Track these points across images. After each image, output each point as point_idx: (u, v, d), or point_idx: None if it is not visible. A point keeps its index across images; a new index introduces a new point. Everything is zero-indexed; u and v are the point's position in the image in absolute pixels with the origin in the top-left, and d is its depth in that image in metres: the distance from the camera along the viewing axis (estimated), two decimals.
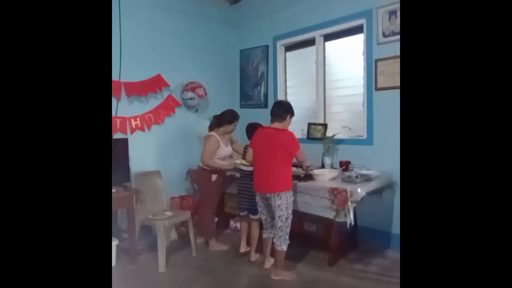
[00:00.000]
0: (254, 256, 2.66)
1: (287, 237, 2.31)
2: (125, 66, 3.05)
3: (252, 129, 2.62)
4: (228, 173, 3.04)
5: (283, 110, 2.37)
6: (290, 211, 2.31)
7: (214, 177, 2.85)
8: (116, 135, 3.01)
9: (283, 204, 2.26)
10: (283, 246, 2.29)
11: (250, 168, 2.55)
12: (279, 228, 2.28)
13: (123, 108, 3.08)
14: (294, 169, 2.58)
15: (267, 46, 3.83)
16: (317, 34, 3.35)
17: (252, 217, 2.65)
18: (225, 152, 2.92)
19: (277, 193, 2.26)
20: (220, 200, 3.39)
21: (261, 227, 2.58)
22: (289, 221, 2.31)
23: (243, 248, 2.78)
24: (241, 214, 2.78)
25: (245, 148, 2.73)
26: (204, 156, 2.80)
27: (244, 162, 2.70)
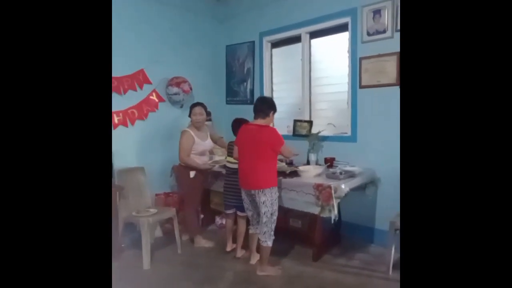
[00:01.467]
0: (240, 253, 2.67)
1: (272, 233, 2.33)
2: None
3: (237, 124, 2.61)
4: (214, 169, 3.01)
5: (267, 106, 2.38)
6: (275, 207, 2.33)
7: (192, 173, 2.81)
8: None
9: (268, 200, 2.28)
10: (268, 242, 2.31)
11: (236, 166, 2.54)
12: (264, 224, 2.30)
13: None
14: (279, 165, 2.59)
15: (253, 42, 3.81)
16: (303, 31, 3.36)
17: (240, 214, 2.65)
18: (202, 147, 2.87)
19: (261, 190, 2.27)
20: (205, 197, 3.38)
21: (248, 223, 2.59)
22: (274, 217, 2.33)
23: (229, 247, 2.76)
24: (228, 212, 2.76)
25: (230, 144, 2.71)
26: (180, 153, 2.78)
27: (230, 159, 2.67)
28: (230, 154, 2.68)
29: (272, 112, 2.39)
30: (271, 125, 2.43)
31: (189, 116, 2.89)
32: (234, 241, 2.74)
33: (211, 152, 3.13)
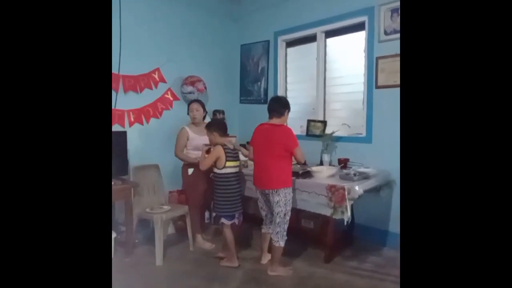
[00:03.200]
0: (236, 262, 2.51)
1: (285, 233, 2.32)
2: (124, 58, 3.03)
3: (211, 125, 2.52)
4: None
5: (281, 105, 2.37)
6: (289, 208, 2.32)
7: (190, 171, 2.82)
8: (115, 128, 3.00)
9: (282, 200, 2.27)
10: (280, 242, 2.30)
11: (224, 171, 2.43)
12: (277, 224, 2.29)
13: (121, 101, 3.06)
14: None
15: (268, 41, 3.80)
16: (318, 30, 3.33)
17: (228, 222, 2.48)
18: (197, 141, 2.83)
19: (275, 190, 2.26)
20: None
21: (258, 223, 2.59)
22: (287, 218, 2.32)
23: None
24: (229, 222, 2.48)
25: (208, 150, 2.51)
26: (175, 149, 2.84)
27: (229, 163, 2.45)
28: (228, 159, 2.44)
29: (286, 111, 2.38)
30: (287, 124, 2.42)
31: (188, 113, 2.94)
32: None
33: None
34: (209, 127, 2.54)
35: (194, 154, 2.85)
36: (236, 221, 2.52)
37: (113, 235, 2.66)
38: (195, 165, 2.77)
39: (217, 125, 2.53)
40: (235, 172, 2.51)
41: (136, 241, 2.83)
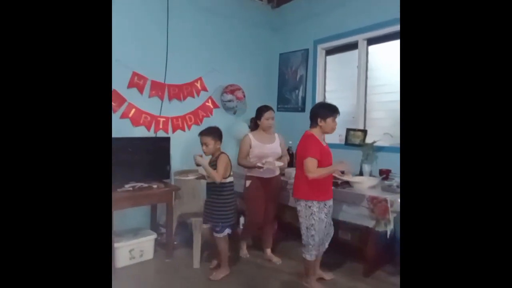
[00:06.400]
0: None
1: (310, 247, 2.17)
2: (170, 68, 3.20)
3: (214, 132, 2.44)
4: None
5: (312, 114, 2.24)
6: (312, 222, 2.15)
7: (248, 183, 2.67)
8: (159, 134, 3.16)
9: (302, 211, 2.18)
10: (306, 254, 2.19)
11: (230, 179, 2.42)
12: (302, 235, 2.21)
13: (166, 108, 3.22)
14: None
15: (307, 49, 3.80)
16: (360, 37, 3.27)
17: (229, 232, 2.48)
18: (259, 149, 2.61)
19: (296, 199, 2.23)
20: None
21: (295, 232, 2.55)
22: (312, 232, 2.15)
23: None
24: (230, 231, 2.48)
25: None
26: (237, 157, 2.68)
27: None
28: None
29: (318, 119, 2.18)
30: (316, 134, 2.21)
31: (258, 119, 2.68)
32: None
33: (279, 158, 2.68)
34: (213, 134, 2.41)
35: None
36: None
37: (154, 236, 2.78)
38: (252, 177, 2.64)
39: (219, 133, 2.44)
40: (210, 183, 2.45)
41: (175, 243, 2.92)
